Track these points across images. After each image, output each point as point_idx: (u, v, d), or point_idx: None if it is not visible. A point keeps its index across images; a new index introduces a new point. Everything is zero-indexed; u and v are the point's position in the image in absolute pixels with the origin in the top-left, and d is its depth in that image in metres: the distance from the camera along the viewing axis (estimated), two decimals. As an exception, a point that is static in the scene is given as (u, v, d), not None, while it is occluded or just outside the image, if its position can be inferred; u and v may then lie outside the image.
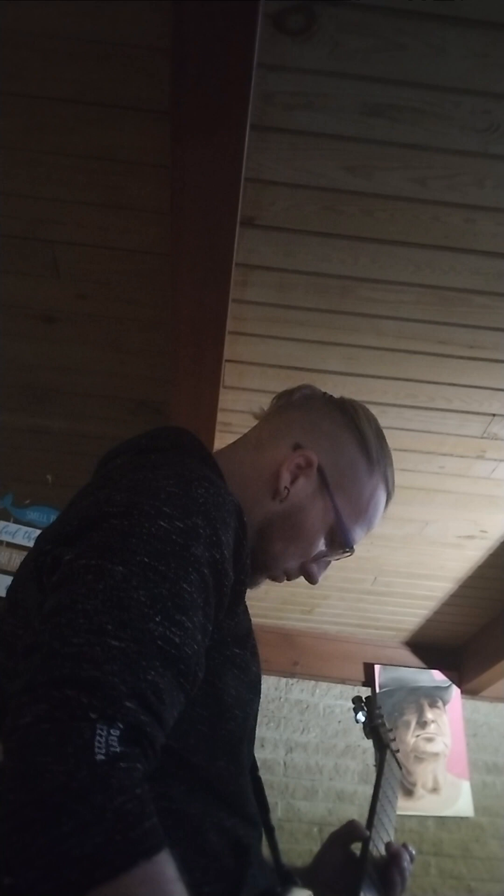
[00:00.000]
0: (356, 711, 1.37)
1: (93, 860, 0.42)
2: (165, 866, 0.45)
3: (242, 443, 0.95)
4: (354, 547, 0.89)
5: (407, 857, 0.90)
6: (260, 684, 0.77)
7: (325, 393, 0.99)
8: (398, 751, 1.28)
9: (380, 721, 1.33)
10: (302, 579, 0.91)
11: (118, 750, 0.47)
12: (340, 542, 0.89)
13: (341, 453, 0.89)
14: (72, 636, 0.52)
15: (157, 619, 0.56)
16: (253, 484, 0.85)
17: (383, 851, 0.91)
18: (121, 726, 0.48)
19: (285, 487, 0.84)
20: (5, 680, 0.63)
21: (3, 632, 0.70)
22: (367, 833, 0.91)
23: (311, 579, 0.89)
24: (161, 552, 0.60)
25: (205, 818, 0.62)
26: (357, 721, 1.36)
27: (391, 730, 1.32)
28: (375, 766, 1.23)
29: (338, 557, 0.91)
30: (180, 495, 0.67)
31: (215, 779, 0.66)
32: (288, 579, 0.90)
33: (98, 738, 0.46)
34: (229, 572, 0.66)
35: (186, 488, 0.68)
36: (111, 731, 0.47)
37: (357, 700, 1.39)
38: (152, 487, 0.68)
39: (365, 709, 1.36)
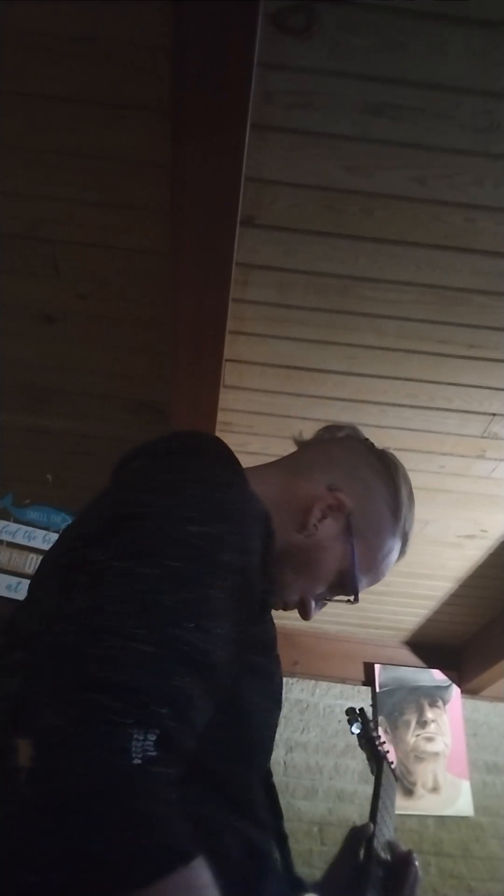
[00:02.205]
0: (350, 723, 1.37)
1: (129, 866, 0.42)
2: (202, 872, 0.45)
3: (277, 465, 0.93)
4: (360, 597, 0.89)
5: (415, 858, 0.90)
6: (281, 695, 0.76)
7: (366, 438, 0.99)
8: (393, 763, 1.28)
9: (375, 733, 1.33)
10: None
11: (154, 755, 0.46)
12: (346, 589, 0.89)
13: (372, 504, 0.88)
14: (102, 640, 0.51)
15: (187, 625, 0.55)
16: (281, 509, 0.83)
17: (388, 855, 0.92)
18: (156, 731, 0.48)
19: (314, 524, 0.84)
20: (26, 678, 0.62)
21: (26, 629, 0.68)
22: (369, 832, 0.92)
23: (306, 615, 0.89)
24: (191, 557, 0.60)
25: (221, 823, 0.62)
26: (352, 732, 1.37)
27: (384, 743, 1.32)
28: (373, 775, 1.24)
29: (337, 600, 0.92)
30: (210, 500, 0.66)
31: (230, 784, 0.65)
32: (284, 609, 0.89)
33: (135, 742, 0.46)
34: (256, 580, 0.66)
35: (216, 493, 0.68)
36: (148, 735, 0.47)
37: (351, 711, 1.39)
38: (182, 491, 0.67)
39: (359, 720, 1.36)
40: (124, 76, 1.14)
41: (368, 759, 1.32)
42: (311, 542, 0.84)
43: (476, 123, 1.14)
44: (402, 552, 0.93)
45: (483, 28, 1.03)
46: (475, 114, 1.13)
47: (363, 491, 0.89)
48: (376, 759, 1.27)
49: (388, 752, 1.29)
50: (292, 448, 1.00)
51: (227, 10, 0.94)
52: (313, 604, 0.89)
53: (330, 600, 0.91)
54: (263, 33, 1.02)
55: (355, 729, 1.36)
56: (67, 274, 1.52)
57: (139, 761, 0.45)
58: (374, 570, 0.90)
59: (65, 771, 0.44)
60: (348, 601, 0.90)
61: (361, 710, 1.39)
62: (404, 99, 1.11)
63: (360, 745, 1.35)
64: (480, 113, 1.12)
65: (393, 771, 1.25)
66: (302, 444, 0.99)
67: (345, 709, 1.47)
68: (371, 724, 1.36)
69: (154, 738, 0.47)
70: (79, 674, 0.49)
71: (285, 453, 0.98)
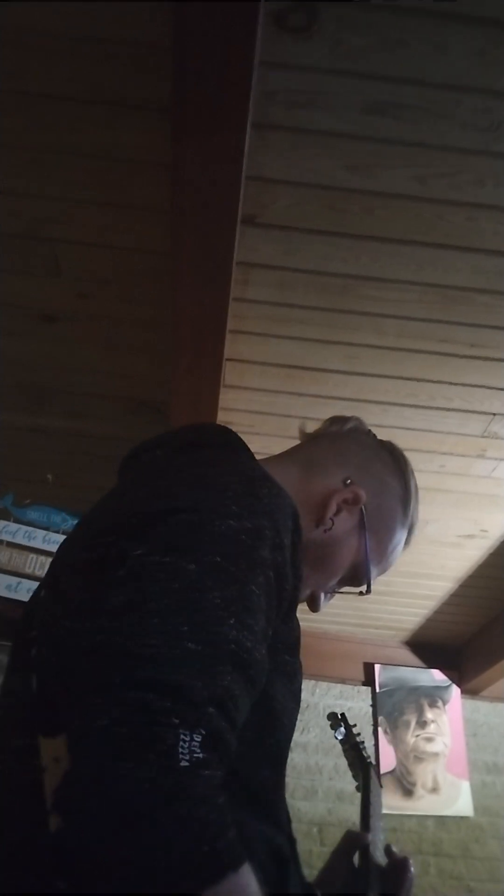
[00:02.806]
0: (334, 728, 1.37)
1: (181, 872, 0.41)
2: (251, 879, 0.44)
3: (290, 458, 0.93)
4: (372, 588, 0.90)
5: (411, 862, 0.90)
6: (300, 694, 0.75)
7: (370, 430, 1.00)
8: (377, 766, 1.29)
9: (358, 738, 1.34)
10: None
11: (201, 756, 0.45)
12: (357, 581, 0.90)
13: (385, 498, 0.90)
14: (147, 637, 0.50)
15: (231, 622, 0.54)
16: (298, 504, 0.84)
17: (382, 860, 0.92)
18: (203, 732, 0.46)
19: (331, 518, 0.85)
20: (51, 675, 0.60)
21: (47, 623, 0.66)
22: (367, 840, 0.92)
23: (316, 608, 0.89)
24: (231, 553, 0.59)
25: (250, 827, 0.60)
26: (336, 738, 1.37)
27: (365, 746, 1.33)
28: (358, 783, 1.24)
29: (348, 592, 0.92)
30: (245, 494, 0.65)
31: (259, 787, 0.64)
32: None
33: (182, 743, 0.45)
34: (289, 576, 0.65)
35: (251, 487, 0.67)
36: (194, 736, 0.46)
37: (333, 717, 1.39)
38: (218, 483, 0.66)
39: (342, 726, 1.37)
40: (125, 76, 1.14)
41: (351, 764, 1.32)
42: (328, 537, 0.85)
43: (477, 122, 1.14)
44: (408, 543, 0.95)
45: (483, 27, 1.03)
46: (476, 113, 1.12)
47: (376, 484, 0.89)
48: (361, 765, 1.27)
49: (369, 756, 1.30)
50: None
51: (227, 9, 0.94)
52: (323, 597, 0.89)
53: (339, 592, 0.92)
54: (264, 33, 1.02)
55: (339, 735, 1.36)
56: (68, 274, 1.52)
57: (187, 763, 0.44)
58: (385, 562, 0.91)
59: (109, 773, 0.43)
60: (360, 593, 0.90)
61: (343, 715, 1.39)
62: (405, 98, 1.11)
63: (344, 751, 1.36)
64: (481, 112, 1.12)
65: (378, 776, 1.25)
66: (309, 438, 0.99)
67: (346, 707, 1.46)
68: (354, 729, 1.36)
69: (199, 738, 0.46)
70: (126, 673, 0.48)
71: (287, 453, 0.98)
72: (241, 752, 0.59)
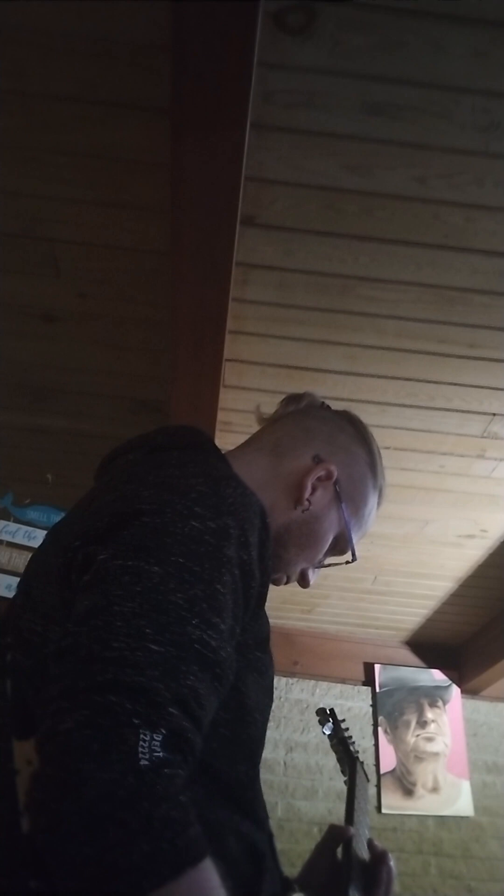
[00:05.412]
0: (322, 724, 1.38)
1: (141, 869, 0.42)
2: (210, 873, 0.45)
3: (256, 446, 0.95)
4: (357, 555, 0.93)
5: (390, 856, 0.91)
6: (273, 689, 0.77)
7: (323, 401, 1.03)
8: (364, 762, 1.30)
9: (346, 733, 1.34)
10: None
11: (161, 756, 0.46)
12: (340, 550, 0.93)
13: (354, 467, 0.93)
14: (111, 640, 0.51)
15: (195, 622, 0.55)
16: (273, 490, 0.86)
17: (365, 855, 0.92)
18: (163, 732, 0.47)
19: (307, 499, 0.87)
20: (24, 679, 0.61)
21: (20, 629, 0.68)
22: (349, 834, 0.92)
23: (307, 584, 0.92)
24: (195, 553, 0.60)
25: (225, 823, 0.61)
26: (324, 733, 1.37)
27: (353, 741, 1.33)
28: (346, 777, 1.24)
29: (335, 563, 0.95)
30: (210, 495, 0.66)
31: (235, 784, 0.65)
32: (286, 583, 0.92)
33: (141, 744, 0.46)
34: (256, 573, 0.66)
35: (216, 488, 0.68)
36: (154, 736, 0.47)
37: (321, 712, 1.39)
38: (182, 485, 0.68)
39: (330, 721, 1.37)
40: (124, 75, 1.14)
41: (339, 759, 1.33)
42: (308, 516, 0.87)
43: (476, 122, 1.14)
44: (379, 505, 0.98)
45: (483, 27, 1.03)
46: (475, 113, 1.13)
47: (344, 456, 0.92)
48: (349, 759, 1.27)
49: (357, 751, 1.30)
50: None
51: (227, 9, 0.94)
52: (311, 572, 0.92)
53: (325, 566, 0.95)
54: (263, 33, 1.02)
55: (326, 730, 1.36)
56: (67, 273, 1.52)
57: (147, 763, 0.45)
58: (363, 527, 0.94)
59: (74, 774, 0.44)
60: (346, 562, 0.93)
61: (332, 710, 1.40)
62: (404, 98, 1.11)
63: (332, 746, 1.36)
64: (480, 112, 1.12)
65: (365, 771, 1.26)
66: (270, 422, 1.00)
67: (346, 707, 1.47)
68: (342, 725, 1.37)
69: (160, 739, 0.47)
70: (91, 676, 0.49)
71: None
72: (216, 748, 0.61)
